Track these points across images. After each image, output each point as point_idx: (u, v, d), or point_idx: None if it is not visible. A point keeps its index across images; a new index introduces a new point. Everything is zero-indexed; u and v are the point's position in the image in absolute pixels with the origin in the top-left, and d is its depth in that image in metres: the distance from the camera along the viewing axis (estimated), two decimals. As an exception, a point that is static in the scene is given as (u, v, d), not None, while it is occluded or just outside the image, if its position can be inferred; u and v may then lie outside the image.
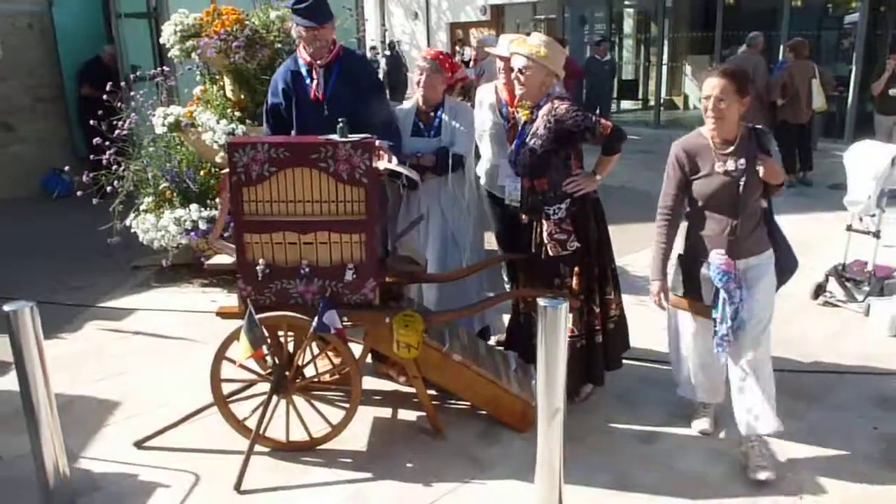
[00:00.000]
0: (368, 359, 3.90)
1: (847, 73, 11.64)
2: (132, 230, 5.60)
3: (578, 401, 3.78)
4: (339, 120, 3.20)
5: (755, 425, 3.17)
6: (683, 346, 3.48)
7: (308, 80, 3.85)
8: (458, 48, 17.72)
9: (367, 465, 3.34)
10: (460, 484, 3.20)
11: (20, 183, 8.80)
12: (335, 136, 3.18)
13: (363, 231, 3.20)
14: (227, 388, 3.41)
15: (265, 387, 3.41)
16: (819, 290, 5.16)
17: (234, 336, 3.24)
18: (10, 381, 3.82)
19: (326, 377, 3.76)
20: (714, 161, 3.16)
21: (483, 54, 8.70)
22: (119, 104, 5.67)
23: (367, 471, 3.30)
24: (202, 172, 5.63)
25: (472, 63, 8.99)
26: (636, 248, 5.78)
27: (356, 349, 3.51)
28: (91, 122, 5.52)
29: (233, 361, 3.27)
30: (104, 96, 5.69)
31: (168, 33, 5.63)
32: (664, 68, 15.39)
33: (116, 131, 5.53)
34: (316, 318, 3.12)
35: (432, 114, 4.00)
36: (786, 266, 3.35)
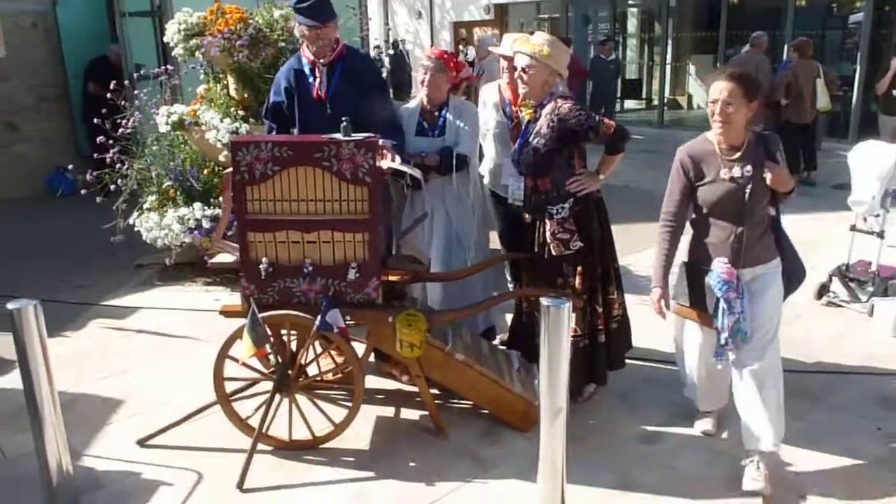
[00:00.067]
0: (371, 358, 3.90)
1: (851, 73, 11.61)
2: (136, 229, 5.61)
3: (581, 400, 3.78)
4: (343, 119, 3.20)
5: (755, 443, 3.11)
6: (689, 356, 3.43)
7: (311, 79, 3.85)
8: (461, 47, 17.70)
9: (370, 464, 3.34)
10: (463, 483, 3.20)
11: (24, 182, 8.82)
12: (338, 135, 3.18)
13: (366, 230, 3.20)
14: (230, 387, 3.42)
15: (268, 385, 3.42)
16: (823, 290, 5.16)
17: (237, 334, 3.24)
18: (13, 379, 3.84)
19: (329, 376, 3.77)
20: (720, 167, 3.09)
21: (483, 53, 8.73)
22: (123, 102, 5.68)
23: (369, 470, 3.30)
24: (206, 171, 5.64)
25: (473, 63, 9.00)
26: (639, 247, 5.77)
27: (359, 348, 3.51)
28: (95, 120, 5.54)
29: (236, 360, 3.28)
30: (108, 94, 5.70)
31: (172, 32, 5.64)
32: (668, 68, 15.39)
33: (120, 130, 5.55)
34: (319, 317, 3.13)
35: (436, 113, 4.00)
36: (793, 276, 3.27)
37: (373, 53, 14.95)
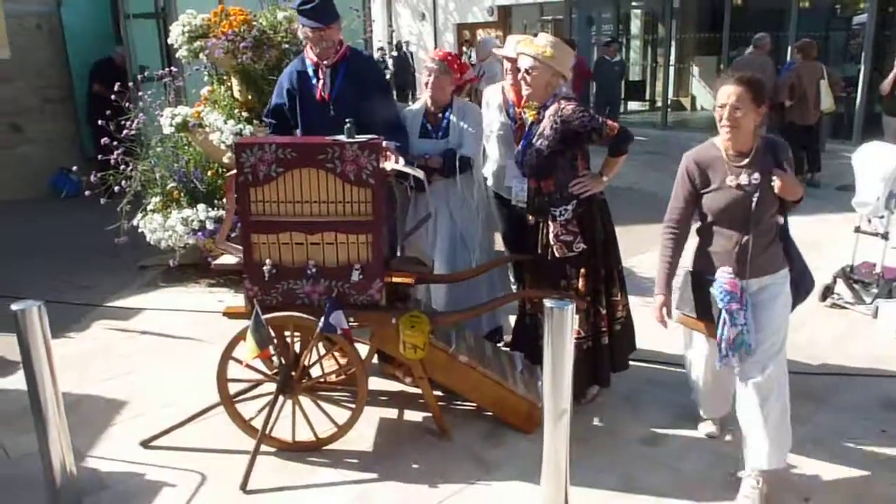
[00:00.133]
0: (375, 359, 3.90)
1: (855, 74, 11.59)
2: (139, 230, 5.62)
3: (584, 402, 3.77)
4: (347, 120, 3.21)
5: (753, 461, 3.02)
6: (695, 365, 3.38)
7: (315, 81, 3.85)
8: (465, 49, 17.71)
9: (373, 466, 3.34)
10: (466, 485, 3.20)
11: (29, 183, 8.84)
12: (342, 137, 3.18)
13: (370, 232, 3.20)
14: (233, 388, 3.42)
15: (271, 387, 3.42)
16: (827, 291, 5.14)
17: (240, 336, 3.25)
18: (17, 380, 3.85)
19: (332, 377, 3.77)
20: (726, 174, 2.99)
21: (483, 55, 8.73)
22: (127, 104, 5.70)
23: (372, 471, 3.30)
24: (209, 173, 5.65)
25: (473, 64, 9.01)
26: (643, 249, 5.76)
27: (362, 350, 3.52)
28: (100, 121, 5.55)
29: (239, 361, 3.28)
30: (113, 96, 5.72)
31: (176, 34, 5.65)
32: (671, 69, 15.37)
33: (124, 131, 5.56)
34: (322, 319, 3.13)
35: (440, 115, 4.00)
36: (801, 286, 3.19)
37: (376, 55, 14.96)
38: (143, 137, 5.79)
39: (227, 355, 3.31)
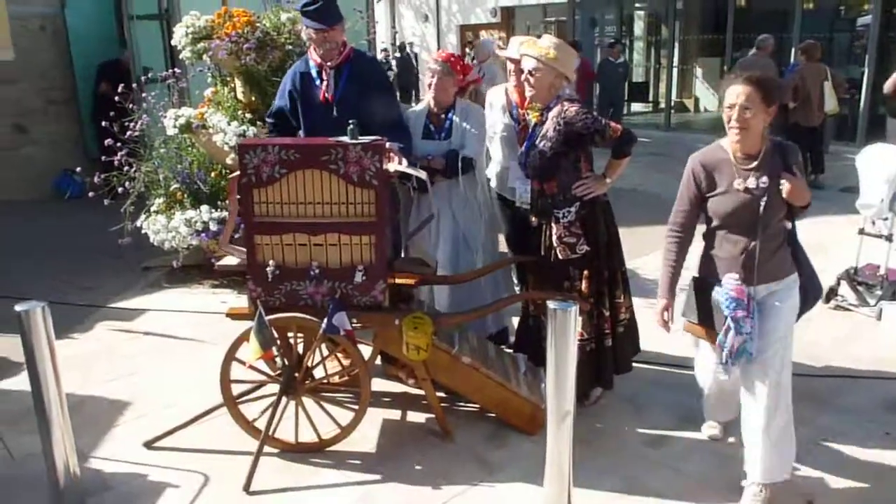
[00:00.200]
0: (378, 360, 3.90)
1: (859, 76, 11.57)
2: (143, 231, 5.62)
3: (588, 404, 3.77)
4: (350, 122, 3.21)
5: (755, 474, 2.98)
6: (702, 371, 3.35)
7: (318, 82, 3.86)
8: (468, 50, 17.71)
9: (376, 467, 3.34)
10: (469, 486, 3.19)
11: (32, 184, 8.85)
12: (345, 138, 3.19)
13: (373, 233, 3.20)
14: (236, 389, 3.43)
15: (275, 388, 3.42)
16: (831, 293, 5.13)
17: (243, 337, 3.25)
18: (21, 381, 3.85)
19: (336, 379, 3.77)
20: (734, 177, 2.91)
21: (483, 56, 8.74)
22: (131, 106, 5.71)
23: (375, 472, 3.30)
24: (213, 174, 5.65)
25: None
26: (646, 251, 5.76)
27: (365, 351, 3.52)
28: (103, 123, 5.56)
29: (242, 362, 3.28)
30: (116, 97, 5.73)
31: (179, 35, 5.66)
32: (675, 71, 15.35)
33: (128, 133, 5.57)
34: (325, 320, 3.13)
35: (443, 116, 4.00)
36: (809, 292, 3.09)
37: (380, 56, 14.97)
38: (146, 139, 5.80)
39: (230, 356, 3.32)
